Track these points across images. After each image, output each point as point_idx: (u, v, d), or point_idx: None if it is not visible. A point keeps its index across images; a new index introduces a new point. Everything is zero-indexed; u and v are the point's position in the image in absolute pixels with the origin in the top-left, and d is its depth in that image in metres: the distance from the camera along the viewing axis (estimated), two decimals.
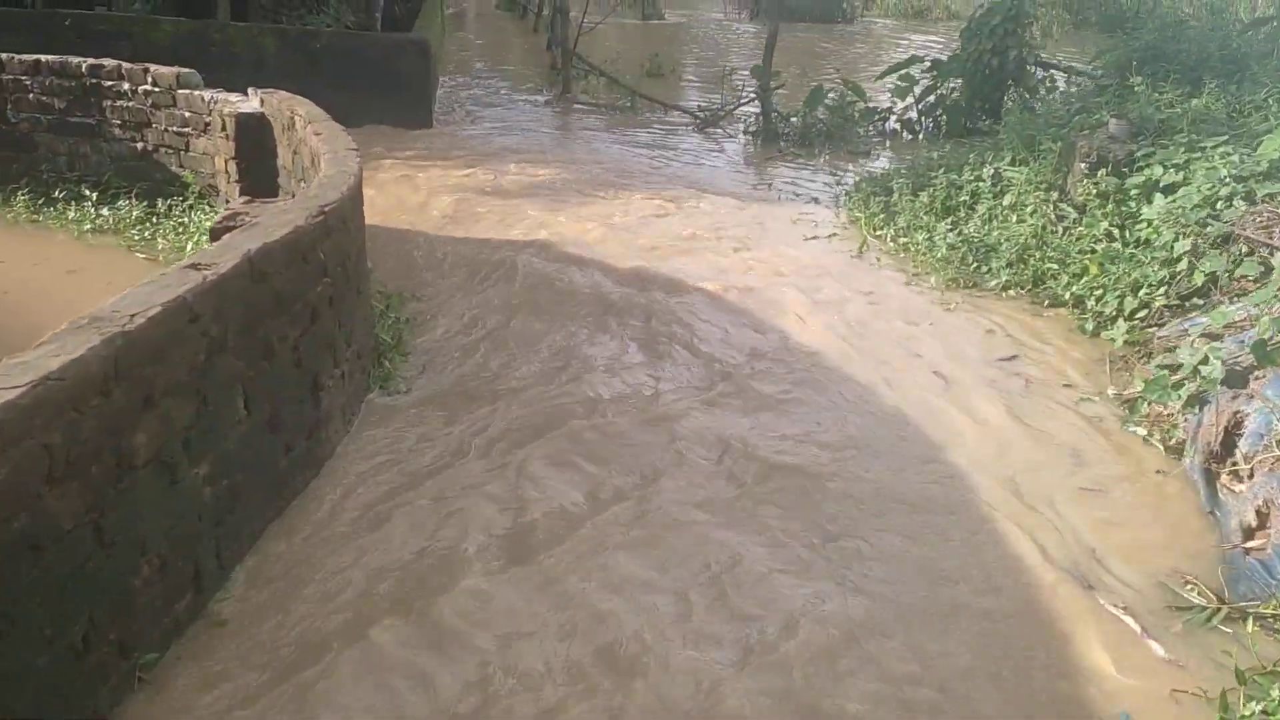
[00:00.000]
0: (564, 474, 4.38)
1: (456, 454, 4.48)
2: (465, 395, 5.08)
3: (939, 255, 7.12)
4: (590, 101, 13.34)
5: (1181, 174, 6.26)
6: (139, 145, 7.55)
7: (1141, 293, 5.85)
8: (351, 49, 10.88)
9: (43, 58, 7.61)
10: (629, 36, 19.72)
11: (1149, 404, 4.91)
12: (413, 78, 10.95)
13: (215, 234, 3.94)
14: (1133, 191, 6.49)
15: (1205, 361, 4.61)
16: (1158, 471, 4.55)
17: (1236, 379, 4.51)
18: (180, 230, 6.97)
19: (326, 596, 3.50)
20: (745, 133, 11.93)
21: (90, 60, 7.55)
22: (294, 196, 5.50)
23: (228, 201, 6.97)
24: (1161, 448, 4.71)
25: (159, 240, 6.83)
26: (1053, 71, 12.19)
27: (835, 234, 7.96)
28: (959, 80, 11.75)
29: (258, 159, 6.70)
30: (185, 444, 3.16)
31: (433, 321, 5.99)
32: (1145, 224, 6.19)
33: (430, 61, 11.07)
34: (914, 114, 12.22)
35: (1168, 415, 4.82)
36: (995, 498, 4.36)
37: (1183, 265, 5.70)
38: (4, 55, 7.62)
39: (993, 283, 6.73)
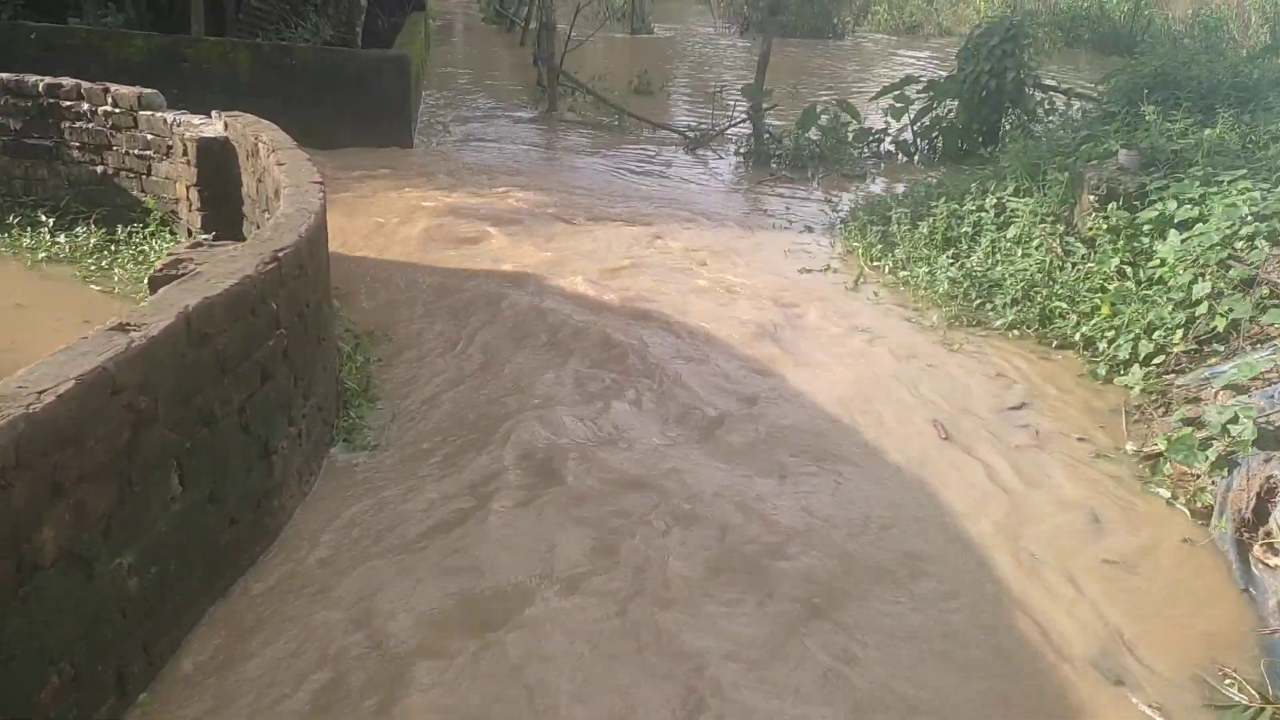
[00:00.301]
0: (538, 544, 3.98)
1: (422, 521, 4.08)
2: (437, 447, 4.69)
3: (940, 290, 6.77)
4: (577, 119, 12.99)
5: (1197, 209, 5.93)
6: (99, 169, 7.15)
7: (1157, 335, 5.52)
8: (328, 66, 10.50)
9: None
10: (617, 51, 19.40)
11: (1172, 463, 4.57)
12: (391, 95, 10.57)
13: (154, 284, 3.56)
14: (1145, 227, 6.16)
15: (1235, 420, 4.27)
16: (1185, 540, 4.21)
17: (1269, 440, 4.18)
18: (139, 260, 6.56)
19: (272, 694, 3.11)
20: (736, 154, 11.59)
21: (48, 79, 7.15)
22: (256, 227, 5.13)
23: (189, 231, 6.59)
24: (1187, 511, 4.37)
25: (116, 270, 6.43)
26: (1051, 94, 11.89)
27: (830, 265, 7.61)
28: (955, 101, 11.44)
29: (220, 186, 6.31)
30: (105, 533, 2.77)
31: (405, 361, 5.61)
32: (1159, 262, 5.86)
33: (409, 79, 10.69)
34: (909, 135, 11.91)
35: (1194, 475, 4.47)
36: (1008, 570, 4.00)
37: (1202, 309, 5.37)
38: None
39: (998, 321, 6.38)
